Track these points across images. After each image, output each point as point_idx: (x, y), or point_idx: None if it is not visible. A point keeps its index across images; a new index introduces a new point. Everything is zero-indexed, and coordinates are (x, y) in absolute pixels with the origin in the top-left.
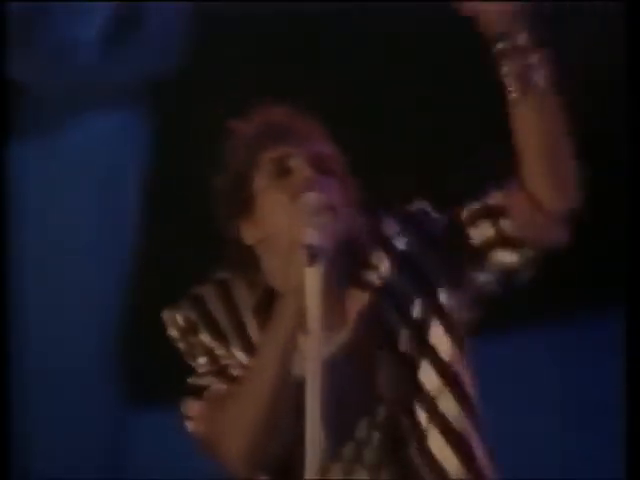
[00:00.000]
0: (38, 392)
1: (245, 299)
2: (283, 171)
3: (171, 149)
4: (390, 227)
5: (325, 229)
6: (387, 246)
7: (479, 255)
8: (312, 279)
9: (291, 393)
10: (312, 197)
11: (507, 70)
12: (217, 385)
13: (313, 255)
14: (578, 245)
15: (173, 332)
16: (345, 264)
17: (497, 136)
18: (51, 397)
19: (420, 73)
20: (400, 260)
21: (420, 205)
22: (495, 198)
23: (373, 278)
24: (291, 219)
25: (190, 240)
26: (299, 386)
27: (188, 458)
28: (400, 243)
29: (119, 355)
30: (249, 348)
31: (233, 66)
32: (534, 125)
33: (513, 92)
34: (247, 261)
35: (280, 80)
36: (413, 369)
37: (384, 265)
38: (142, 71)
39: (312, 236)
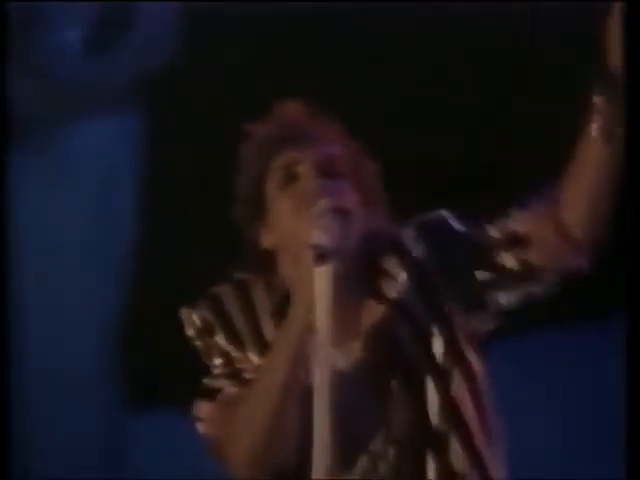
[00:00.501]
0: (38, 392)
1: (263, 302)
2: (291, 178)
3: (166, 149)
4: (408, 238)
5: (332, 230)
6: (404, 257)
7: (500, 283)
8: (320, 279)
9: (300, 396)
10: (320, 201)
11: (606, 113)
12: (229, 388)
13: (320, 255)
14: None
15: (190, 331)
16: (360, 271)
17: (496, 136)
18: (51, 397)
19: (420, 73)
20: (416, 273)
21: (440, 215)
22: (519, 223)
23: (390, 290)
24: (300, 225)
25: (189, 240)
26: (309, 392)
27: (187, 459)
28: (417, 255)
29: (119, 356)
30: (265, 352)
31: (226, 65)
32: (599, 169)
33: (596, 133)
34: (266, 264)
35: (275, 80)
36: (421, 390)
37: (401, 278)
38: (135, 72)
39: (319, 236)
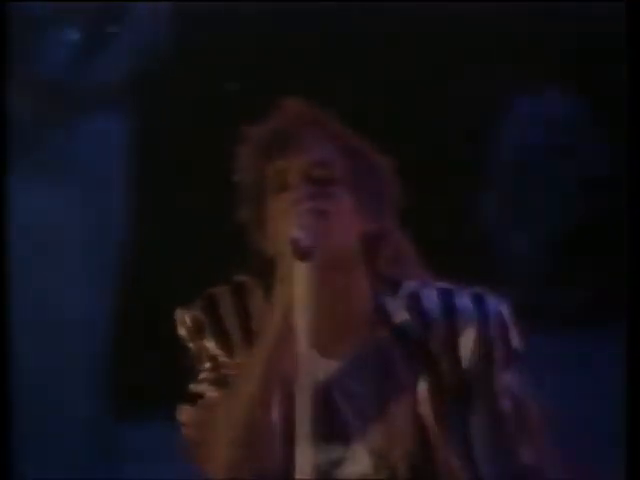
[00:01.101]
0: (33, 392)
1: (260, 307)
2: (282, 187)
3: (163, 149)
4: (461, 299)
5: (310, 228)
6: (443, 300)
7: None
8: (298, 276)
9: (280, 396)
10: (303, 204)
11: None
12: (211, 393)
13: (298, 250)
14: (579, 259)
15: (182, 332)
16: (363, 282)
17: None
18: (45, 400)
19: (420, 74)
20: (446, 324)
21: (500, 310)
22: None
23: (401, 315)
24: (286, 230)
25: (186, 241)
26: (293, 392)
27: (179, 466)
28: (460, 315)
29: (114, 359)
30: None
31: (220, 65)
32: None
33: None
34: (267, 270)
35: (268, 80)
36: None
37: (427, 307)
38: (131, 72)
39: (296, 232)
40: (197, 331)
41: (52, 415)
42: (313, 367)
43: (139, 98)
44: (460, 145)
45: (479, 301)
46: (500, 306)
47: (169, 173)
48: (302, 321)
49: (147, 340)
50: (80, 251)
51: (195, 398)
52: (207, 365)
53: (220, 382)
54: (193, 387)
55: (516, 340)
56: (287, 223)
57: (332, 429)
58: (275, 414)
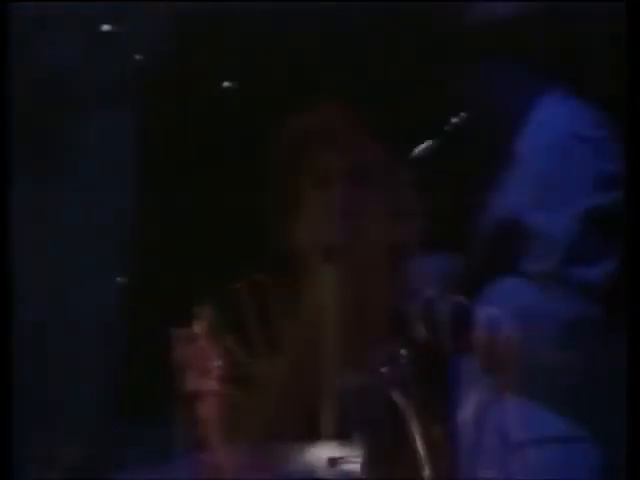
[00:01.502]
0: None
1: (276, 306)
2: (322, 183)
3: (165, 147)
4: (473, 315)
5: (339, 230)
6: (463, 321)
7: None
8: (326, 278)
9: (304, 395)
10: (336, 204)
11: None
12: (222, 390)
13: (326, 252)
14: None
15: (197, 328)
16: (387, 291)
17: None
18: (42, 412)
19: (420, 74)
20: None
21: (508, 324)
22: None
23: (416, 324)
24: (317, 227)
25: (179, 245)
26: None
27: (178, 470)
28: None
29: (110, 368)
30: (274, 356)
31: (217, 64)
32: None
33: None
34: (289, 266)
35: (267, 79)
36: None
37: (441, 318)
38: (126, 71)
39: (325, 234)
40: (213, 328)
41: (53, 415)
42: (335, 371)
43: (139, 98)
44: (460, 145)
45: (490, 319)
46: (509, 326)
47: (169, 173)
48: (330, 321)
49: (148, 340)
50: (80, 251)
51: (203, 395)
52: (219, 362)
53: (233, 379)
54: (203, 384)
55: (515, 366)
56: (318, 221)
57: (339, 431)
58: (296, 416)
